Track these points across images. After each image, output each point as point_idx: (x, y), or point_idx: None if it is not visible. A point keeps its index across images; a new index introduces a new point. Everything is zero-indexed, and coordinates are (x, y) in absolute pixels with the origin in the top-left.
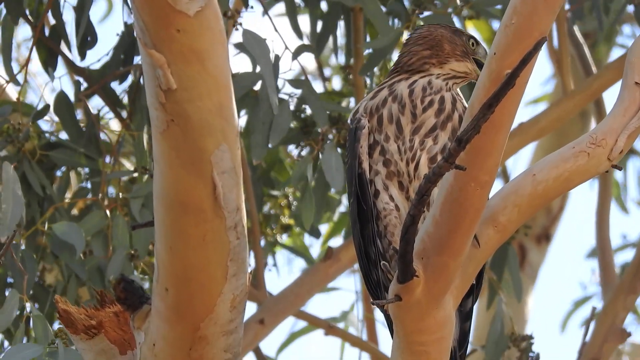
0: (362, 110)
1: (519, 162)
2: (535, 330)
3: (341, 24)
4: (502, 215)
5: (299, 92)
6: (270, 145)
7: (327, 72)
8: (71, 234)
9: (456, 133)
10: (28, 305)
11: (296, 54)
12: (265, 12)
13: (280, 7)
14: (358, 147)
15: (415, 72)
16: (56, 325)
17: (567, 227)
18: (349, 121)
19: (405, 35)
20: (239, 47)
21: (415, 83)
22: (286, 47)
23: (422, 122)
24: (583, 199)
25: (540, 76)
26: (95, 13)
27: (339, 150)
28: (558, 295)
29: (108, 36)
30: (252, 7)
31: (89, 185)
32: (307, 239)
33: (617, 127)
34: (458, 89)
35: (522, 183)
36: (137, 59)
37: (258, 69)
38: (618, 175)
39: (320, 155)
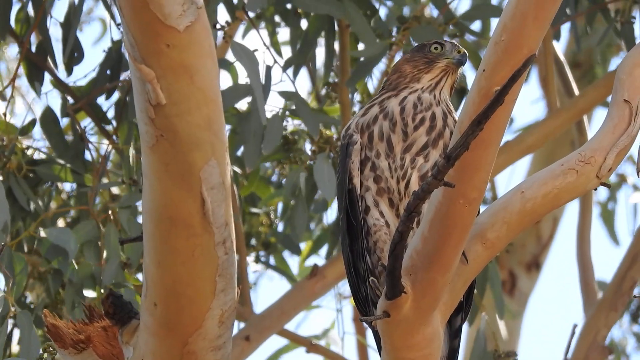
0: (353, 127)
1: (511, 182)
2: (526, 354)
3: (323, 42)
4: (490, 231)
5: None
6: (263, 152)
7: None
8: (64, 238)
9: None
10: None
11: (286, 66)
12: (254, 26)
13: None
14: (349, 162)
15: (400, 89)
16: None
17: (558, 255)
18: (341, 137)
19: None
20: (223, 63)
21: (406, 100)
22: (275, 61)
23: (413, 140)
24: (574, 227)
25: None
26: (89, 35)
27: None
28: (549, 321)
29: (96, 55)
30: (242, 21)
31: (72, 202)
32: (287, 257)
33: (606, 145)
34: (448, 100)
35: (511, 200)
36: (123, 75)
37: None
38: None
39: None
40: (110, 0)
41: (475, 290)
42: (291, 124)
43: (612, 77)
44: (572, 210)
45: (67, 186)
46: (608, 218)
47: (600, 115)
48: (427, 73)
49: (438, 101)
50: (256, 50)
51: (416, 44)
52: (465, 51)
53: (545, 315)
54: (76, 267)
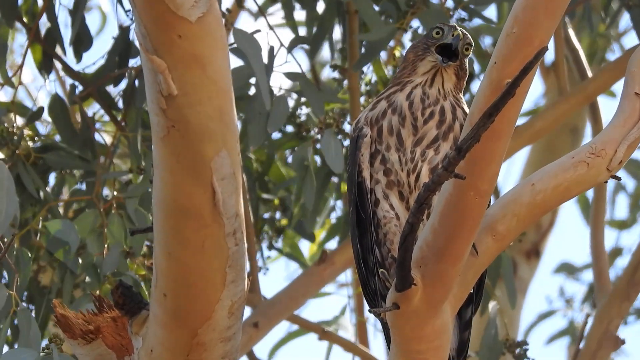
0: (363, 120)
1: (508, 179)
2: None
3: (336, 29)
4: (500, 224)
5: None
6: (268, 131)
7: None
8: (65, 231)
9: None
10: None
11: (291, 46)
12: (261, 13)
13: (276, 8)
14: (359, 155)
15: (404, 83)
16: (52, 328)
17: (557, 243)
18: (351, 130)
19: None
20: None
21: (412, 94)
22: (281, 44)
23: (423, 133)
24: (573, 215)
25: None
26: (93, 24)
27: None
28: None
29: (102, 46)
30: (244, 9)
31: (83, 187)
32: (301, 243)
33: (616, 137)
34: (454, 91)
35: (521, 192)
36: (131, 62)
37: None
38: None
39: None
40: None
41: (486, 280)
42: (304, 112)
43: (622, 62)
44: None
45: (77, 174)
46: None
47: (605, 105)
48: (421, 61)
49: (444, 95)
50: (258, 31)
51: (423, 30)
52: (461, 33)
53: (545, 303)
54: (79, 261)
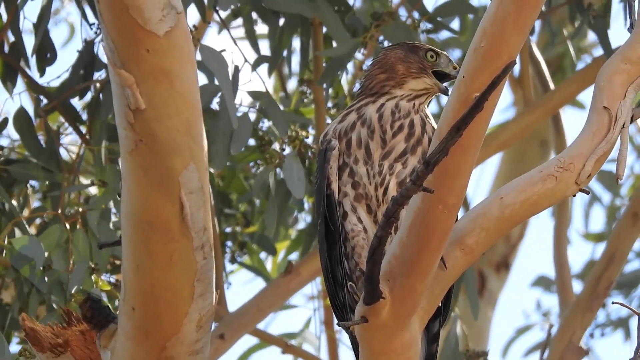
0: (331, 133)
1: (478, 191)
2: (493, 354)
3: (300, 42)
4: (469, 237)
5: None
6: (232, 153)
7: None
8: (31, 248)
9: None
10: None
11: (255, 65)
12: (225, 26)
13: (238, 22)
14: (327, 167)
15: (379, 95)
16: (14, 345)
17: (526, 255)
18: (319, 143)
19: (364, 49)
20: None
21: (383, 107)
22: (245, 60)
23: (392, 147)
24: (543, 227)
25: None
26: (57, 38)
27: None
28: (516, 321)
29: (68, 58)
30: (209, 23)
31: (47, 201)
32: (263, 257)
33: (585, 151)
34: (427, 109)
35: (490, 206)
36: (96, 75)
37: (216, 82)
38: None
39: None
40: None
41: None
42: (267, 124)
43: (586, 73)
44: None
45: (41, 187)
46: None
47: (570, 116)
48: (415, 79)
49: (417, 109)
50: (224, 50)
51: (388, 43)
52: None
53: (514, 316)
54: (45, 278)
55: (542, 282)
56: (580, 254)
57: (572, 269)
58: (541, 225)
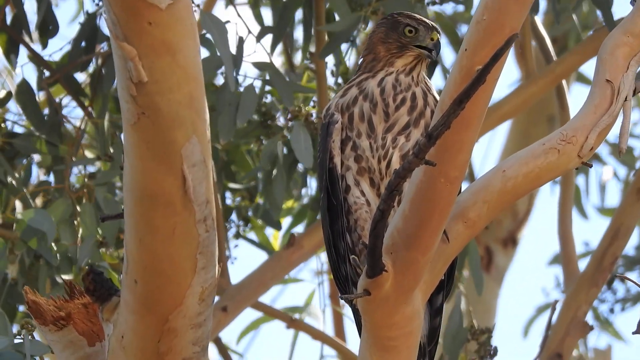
0: (334, 107)
1: (486, 165)
2: (500, 331)
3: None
4: (471, 211)
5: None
6: (238, 124)
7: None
8: (41, 220)
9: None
10: None
11: (260, 36)
12: (231, 2)
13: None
14: (330, 141)
15: (375, 71)
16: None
17: (534, 231)
18: (322, 116)
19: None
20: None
21: (384, 81)
22: (249, 32)
23: (395, 120)
24: (550, 203)
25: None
26: (65, 13)
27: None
28: (524, 298)
29: (72, 32)
30: None
31: (51, 177)
32: (268, 231)
33: (587, 124)
34: (428, 81)
35: (492, 179)
36: (98, 48)
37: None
38: (579, 181)
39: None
40: None
41: None
42: (270, 100)
43: (588, 45)
44: (548, 185)
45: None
46: (576, 193)
47: (576, 91)
48: (400, 58)
49: (417, 82)
50: (228, 22)
51: (382, 22)
52: (439, 37)
53: (521, 291)
54: (54, 247)
55: (559, 259)
56: (597, 229)
57: (589, 244)
58: (548, 201)
